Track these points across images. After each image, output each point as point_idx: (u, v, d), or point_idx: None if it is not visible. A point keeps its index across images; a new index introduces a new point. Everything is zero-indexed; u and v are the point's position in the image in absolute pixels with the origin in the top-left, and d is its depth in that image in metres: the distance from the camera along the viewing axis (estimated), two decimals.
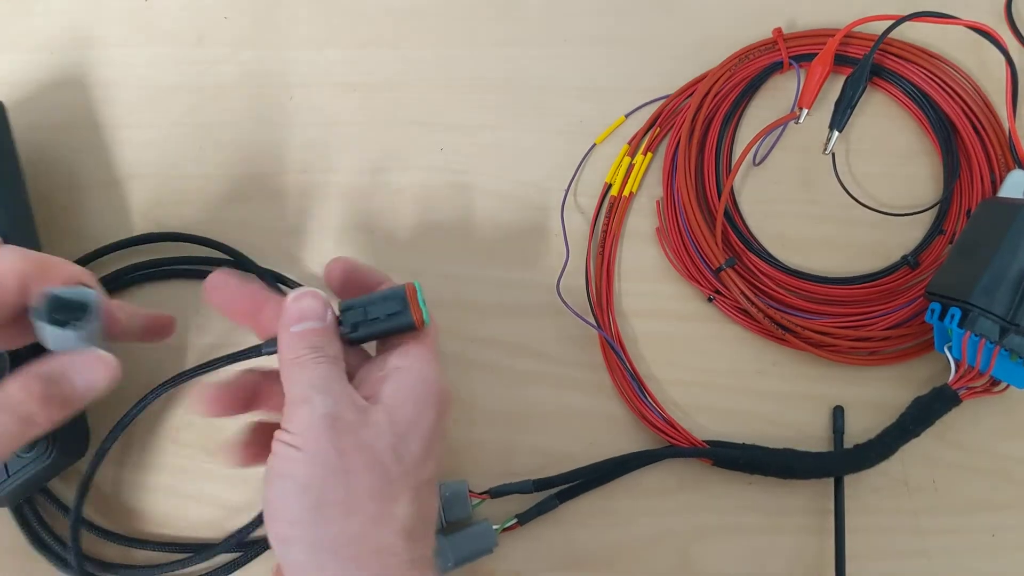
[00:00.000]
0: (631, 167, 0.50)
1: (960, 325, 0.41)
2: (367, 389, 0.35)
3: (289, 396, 0.34)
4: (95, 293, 0.35)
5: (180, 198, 0.50)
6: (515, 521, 0.44)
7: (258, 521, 0.44)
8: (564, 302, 0.46)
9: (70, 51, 0.53)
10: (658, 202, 0.50)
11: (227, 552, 0.44)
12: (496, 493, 0.43)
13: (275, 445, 0.33)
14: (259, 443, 0.37)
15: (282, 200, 0.50)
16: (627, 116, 0.51)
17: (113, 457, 0.46)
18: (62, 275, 0.35)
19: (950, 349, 0.43)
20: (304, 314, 0.35)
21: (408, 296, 0.36)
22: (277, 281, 0.48)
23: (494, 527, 0.43)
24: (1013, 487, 0.45)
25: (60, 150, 0.51)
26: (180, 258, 0.49)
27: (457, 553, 0.42)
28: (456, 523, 0.44)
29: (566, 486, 0.44)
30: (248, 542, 0.44)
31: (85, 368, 0.34)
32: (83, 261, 0.48)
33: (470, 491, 0.43)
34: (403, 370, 0.35)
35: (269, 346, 0.36)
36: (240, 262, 0.49)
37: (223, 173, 0.51)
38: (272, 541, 0.32)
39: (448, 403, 0.36)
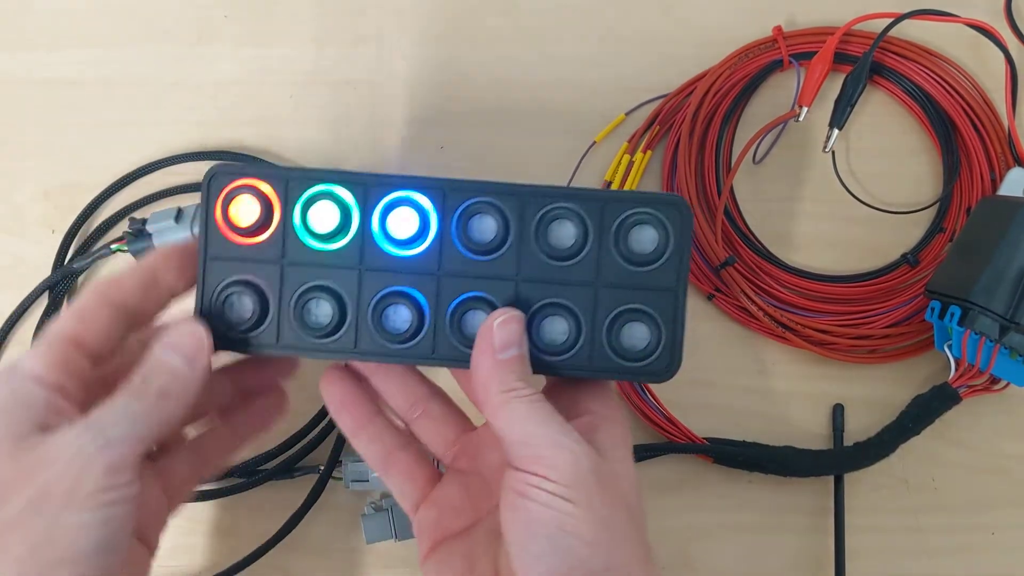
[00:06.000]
0: (631, 165, 0.50)
1: (960, 323, 0.41)
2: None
3: (522, 437, 0.30)
4: None
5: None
6: None
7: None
8: None
9: (70, 50, 0.53)
10: None
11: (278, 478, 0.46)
12: None
13: (533, 492, 0.29)
14: (411, 458, 0.36)
15: None
16: (627, 114, 0.51)
17: None
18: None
19: (950, 347, 0.43)
20: (510, 340, 0.31)
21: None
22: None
23: None
24: (1013, 486, 0.45)
25: (60, 150, 0.51)
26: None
27: None
28: None
29: None
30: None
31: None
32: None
33: None
34: (610, 419, 0.32)
35: None
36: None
37: None
38: None
39: None
